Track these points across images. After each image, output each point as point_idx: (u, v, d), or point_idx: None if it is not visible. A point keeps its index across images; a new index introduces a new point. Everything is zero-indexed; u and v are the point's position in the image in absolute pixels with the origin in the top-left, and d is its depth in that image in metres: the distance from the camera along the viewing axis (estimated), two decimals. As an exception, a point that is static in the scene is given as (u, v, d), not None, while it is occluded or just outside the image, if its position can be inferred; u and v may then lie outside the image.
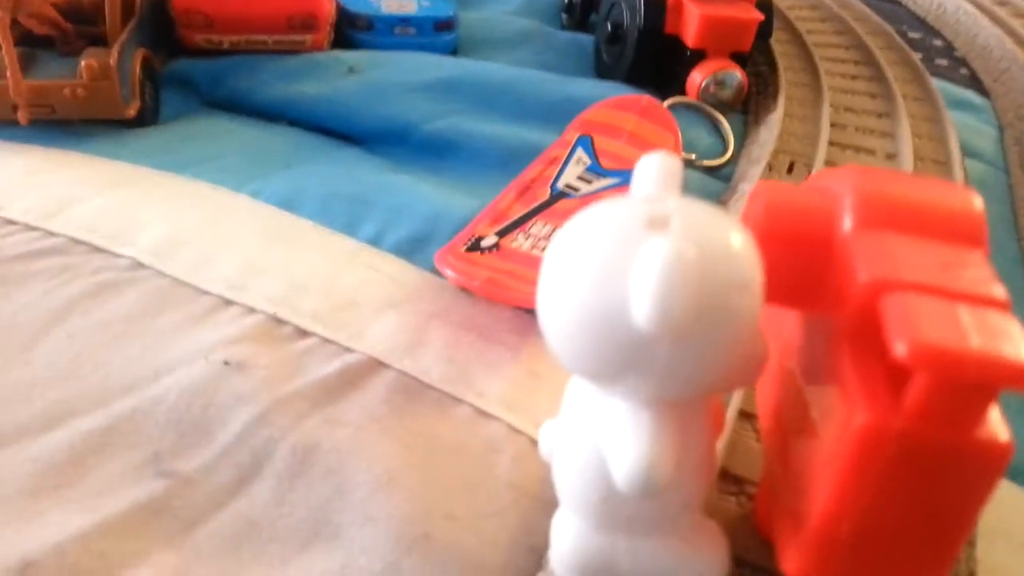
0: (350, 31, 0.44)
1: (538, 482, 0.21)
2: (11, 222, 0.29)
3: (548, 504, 0.21)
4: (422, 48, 0.45)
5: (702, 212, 0.15)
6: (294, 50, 0.41)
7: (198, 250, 0.28)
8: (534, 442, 0.22)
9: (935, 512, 0.14)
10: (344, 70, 0.41)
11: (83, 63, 0.33)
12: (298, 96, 0.39)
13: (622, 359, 0.14)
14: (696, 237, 0.14)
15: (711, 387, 0.15)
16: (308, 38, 0.41)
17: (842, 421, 0.14)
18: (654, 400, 0.15)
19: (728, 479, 0.22)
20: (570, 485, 0.17)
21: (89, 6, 0.36)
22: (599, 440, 0.16)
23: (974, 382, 0.12)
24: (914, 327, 0.13)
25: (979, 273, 0.14)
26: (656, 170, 0.16)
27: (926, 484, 0.14)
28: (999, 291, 0.14)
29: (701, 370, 0.14)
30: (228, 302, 0.26)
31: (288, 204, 0.31)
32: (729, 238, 0.14)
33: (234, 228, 0.29)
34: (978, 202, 0.16)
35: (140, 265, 0.27)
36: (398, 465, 0.21)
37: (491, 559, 0.19)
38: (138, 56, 0.36)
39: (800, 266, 0.16)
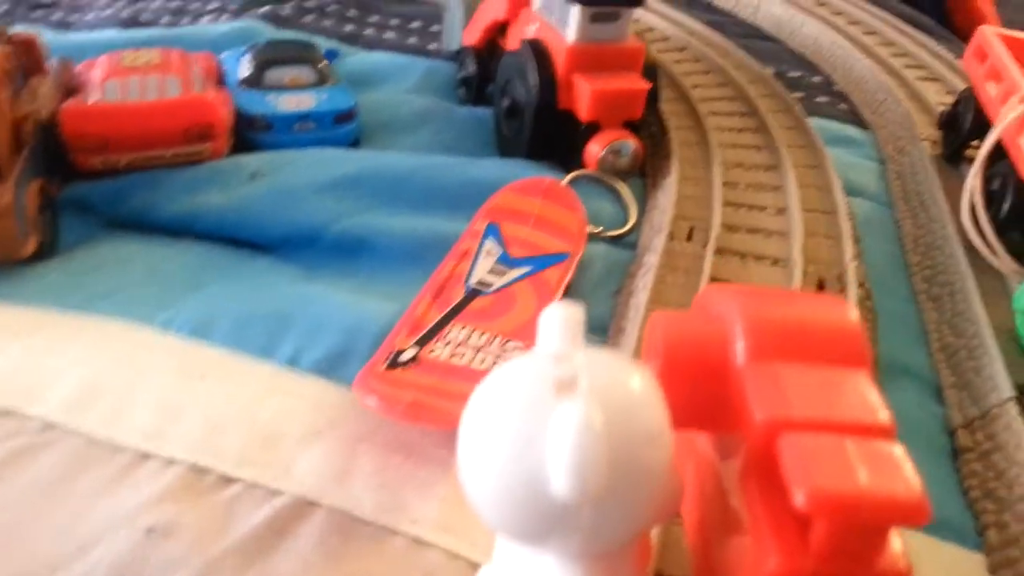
0: (248, 133, 0.44)
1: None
2: (-94, 389, 0.27)
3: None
4: (323, 142, 0.45)
5: (607, 368, 0.15)
6: (193, 161, 0.41)
7: (111, 400, 0.27)
8: (472, 565, 0.23)
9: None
10: (246, 176, 0.40)
11: (-27, 205, 0.32)
12: (202, 208, 0.39)
13: (546, 524, 0.15)
14: (603, 398, 0.15)
15: (635, 534, 0.16)
16: (207, 147, 0.41)
17: (754, 562, 0.15)
18: (582, 554, 0.15)
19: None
20: (510, 634, 0.17)
21: (-28, 141, 0.35)
22: (533, 596, 0.16)
23: (870, 525, 0.13)
24: (809, 473, 0.14)
25: (865, 398, 0.15)
26: (560, 322, 0.16)
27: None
28: (884, 416, 0.15)
29: (624, 523, 0.15)
30: (145, 455, 0.25)
31: (202, 331, 0.31)
32: (634, 392, 0.15)
33: (147, 368, 0.29)
34: (854, 316, 0.17)
35: (51, 426, 0.26)
36: (339, 612, 0.21)
37: None
38: (33, 188, 0.35)
39: (702, 395, 0.17)
